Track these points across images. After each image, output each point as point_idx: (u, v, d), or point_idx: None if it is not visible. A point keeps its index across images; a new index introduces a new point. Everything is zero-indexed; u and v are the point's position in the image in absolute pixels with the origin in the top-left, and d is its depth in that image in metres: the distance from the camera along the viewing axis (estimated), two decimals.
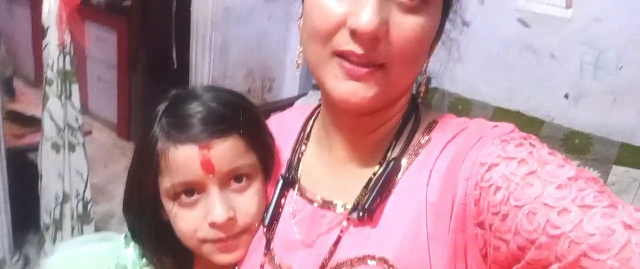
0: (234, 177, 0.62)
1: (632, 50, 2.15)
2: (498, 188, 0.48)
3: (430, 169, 0.55)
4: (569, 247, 0.42)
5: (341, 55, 0.51)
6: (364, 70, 0.51)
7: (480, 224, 0.50)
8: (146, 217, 0.66)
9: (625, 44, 2.16)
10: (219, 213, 0.59)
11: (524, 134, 0.54)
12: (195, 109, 0.61)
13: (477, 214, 0.50)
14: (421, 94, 0.61)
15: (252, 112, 0.66)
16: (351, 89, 0.52)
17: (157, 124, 0.61)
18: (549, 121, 2.38)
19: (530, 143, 0.52)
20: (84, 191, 2.19)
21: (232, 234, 0.61)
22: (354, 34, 0.49)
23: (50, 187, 2.10)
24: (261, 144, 0.65)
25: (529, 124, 2.37)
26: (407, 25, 0.50)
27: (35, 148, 2.16)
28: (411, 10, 0.50)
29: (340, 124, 0.61)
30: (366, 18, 0.48)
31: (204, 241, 0.62)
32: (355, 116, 0.56)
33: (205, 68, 2.65)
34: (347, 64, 0.51)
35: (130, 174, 0.66)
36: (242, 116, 0.62)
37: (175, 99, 0.63)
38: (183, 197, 0.61)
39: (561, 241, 0.43)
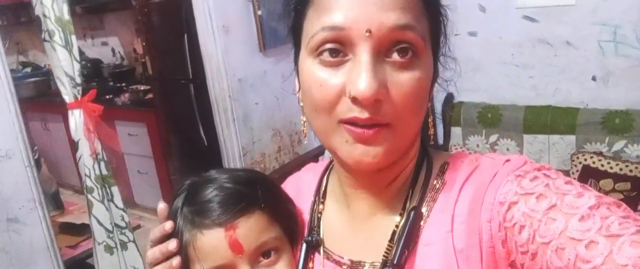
0: (262, 254, 0.62)
1: None
2: (522, 227, 0.48)
3: (451, 215, 0.54)
4: None
5: (347, 122, 0.52)
6: (371, 131, 0.51)
7: (512, 265, 0.49)
8: None
9: None
10: None
11: (537, 165, 0.53)
12: (214, 193, 0.62)
13: (507, 255, 0.49)
14: (431, 136, 0.61)
15: (269, 185, 0.66)
16: (363, 152, 0.52)
17: (179, 215, 0.63)
18: (584, 107, 2.31)
19: (544, 174, 0.51)
20: None
21: None
22: (356, 101, 0.50)
23: None
24: (284, 214, 0.65)
25: (564, 115, 2.30)
26: (405, 82, 0.51)
27: (91, 254, 2.23)
28: (405, 66, 0.51)
29: (356, 183, 0.61)
30: (364, 84, 0.48)
31: None
32: (371, 173, 0.57)
33: (233, 139, 2.72)
34: (354, 129, 0.52)
35: None
36: (260, 191, 0.63)
37: (192, 188, 0.65)
38: None
39: None
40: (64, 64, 1.85)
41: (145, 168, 3.85)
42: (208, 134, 3.03)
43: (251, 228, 0.61)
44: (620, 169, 2.06)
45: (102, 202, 2.06)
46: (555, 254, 0.45)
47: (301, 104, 0.59)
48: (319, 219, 0.66)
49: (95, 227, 2.07)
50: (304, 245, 0.64)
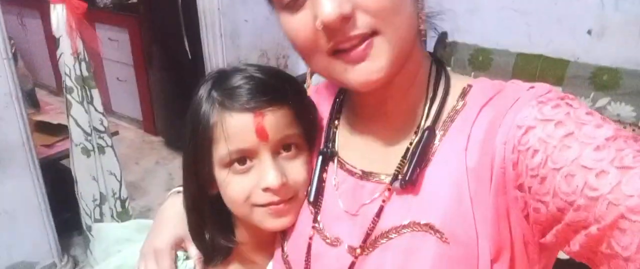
0: (283, 146, 0.64)
1: None
2: (536, 151, 0.48)
3: (468, 135, 0.55)
4: (607, 209, 0.42)
5: (335, 51, 0.52)
6: (362, 46, 0.51)
7: (520, 187, 0.50)
8: (206, 203, 0.69)
9: None
10: (273, 178, 0.62)
11: (561, 94, 0.53)
12: (244, 80, 0.63)
13: (516, 177, 0.50)
14: (423, 34, 0.59)
15: (297, 85, 0.68)
16: (365, 70, 0.52)
17: (206, 100, 0.64)
18: (574, 60, 2.31)
19: (567, 103, 0.51)
20: (120, 190, 2.25)
21: (284, 198, 0.64)
22: (328, 28, 0.50)
23: (86, 191, 2.16)
24: (307, 115, 0.67)
25: (554, 66, 2.30)
26: None
27: (67, 155, 2.21)
28: None
29: (367, 102, 0.62)
30: (325, 10, 0.49)
31: (256, 205, 0.64)
32: (379, 89, 0.56)
33: (219, 55, 2.65)
34: (346, 55, 0.52)
35: (185, 159, 0.69)
36: (288, 87, 0.65)
37: (221, 75, 0.66)
38: (236, 165, 0.64)
39: (599, 203, 0.43)
40: None
41: (124, 76, 3.77)
42: (193, 48, 2.94)
43: (278, 119, 0.62)
44: None
45: (81, 104, 2.02)
46: (565, 180, 0.45)
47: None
48: (334, 133, 0.67)
49: (73, 128, 2.04)
50: (320, 156, 0.66)
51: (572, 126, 0.47)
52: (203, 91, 0.65)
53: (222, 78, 0.65)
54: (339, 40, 0.51)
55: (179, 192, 0.76)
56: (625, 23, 2.18)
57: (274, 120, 0.62)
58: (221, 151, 0.63)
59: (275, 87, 0.63)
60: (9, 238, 2.13)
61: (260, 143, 0.62)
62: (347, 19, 0.49)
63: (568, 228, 0.46)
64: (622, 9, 2.18)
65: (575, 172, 0.45)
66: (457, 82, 0.60)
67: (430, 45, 2.68)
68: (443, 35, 2.63)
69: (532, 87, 0.54)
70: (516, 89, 0.56)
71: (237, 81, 0.63)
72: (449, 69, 0.62)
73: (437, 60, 0.62)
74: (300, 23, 0.53)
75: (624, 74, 2.17)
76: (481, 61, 2.50)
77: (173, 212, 0.75)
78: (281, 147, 0.64)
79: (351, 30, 0.50)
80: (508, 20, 2.49)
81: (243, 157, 0.63)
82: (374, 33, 0.51)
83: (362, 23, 0.50)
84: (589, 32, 2.30)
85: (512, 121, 0.51)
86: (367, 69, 0.52)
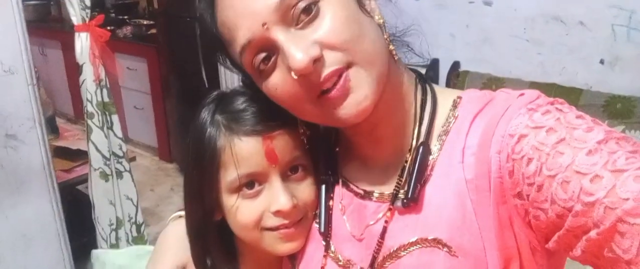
0: (291, 168, 0.64)
1: None
2: (530, 159, 0.48)
3: (463, 146, 0.55)
4: (605, 213, 0.43)
5: (318, 96, 0.53)
6: (340, 82, 0.52)
7: (519, 195, 0.50)
8: (211, 229, 0.68)
9: None
10: (284, 201, 0.61)
11: (550, 100, 0.54)
12: (247, 103, 0.63)
13: (514, 185, 0.50)
14: (394, 54, 0.59)
15: None
16: (352, 104, 0.53)
17: (210, 124, 0.63)
18: (587, 89, 2.32)
19: (557, 108, 0.51)
20: (136, 215, 2.27)
21: (295, 220, 0.64)
22: (304, 76, 0.51)
23: (103, 215, 2.18)
24: (312, 138, 0.66)
25: (567, 94, 2.31)
26: (325, 26, 0.52)
27: (85, 180, 2.24)
28: (315, 18, 0.52)
29: (358, 130, 0.62)
30: (296, 58, 0.50)
31: (266, 229, 0.63)
32: (365, 119, 0.56)
33: (235, 83, 2.70)
34: (327, 96, 0.53)
35: (188, 185, 0.68)
36: None
37: (222, 98, 0.65)
38: (245, 189, 0.63)
39: (596, 208, 0.43)
40: None
41: (141, 104, 3.84)
42: (209, 77, 3.00)
43: (286, 142, 0.62)
44: None
45: (102, 129, 2.06)
46: (561, 186, 0.46)
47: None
48: (336, 158, 0.68)
49: (92, 153, 2.08)
50: (323, 184, 0.66)
51: (564, 131, 0.48)
52: (206, 115, 0.64)
53: (224, 101, 0.64)
54: (319, 83, 0.52)
55: (180, 216, 0.75)
56: (638, 53, 2.19)
57: (283, 143, 0.62)
58: (230, 175, 0.62)
59: (281, 111, 0.62)
60: (26, 261, 2.15)
61: (269, 166, 0.61)
62: (318, 61, 0.51)
63: (569, 233, 0.46)
64: (634, 39, 2.19)
65: (571, 178, 0.45)
66: (446, 95, 0.61)
67: (443, 75, 2.71)
68: (455, 65, 2.66)
69: (522, 94, 0.55)
70: (506, 97, 0.56)
71: (241, 103, 0.63)
72: (435, 85, 0.63)
73: (421, 77, 0.63)
74: (278, 81, 0.54)
75: (638, 103, 2.17)
76: (494, 90, 2.52)
77: (174, 238, 0.74)
78: (289, 170, 0.64)
79: (325, 69, 0.52)
80: (521, 50, 2.52)
81: (252, 182, 0.62)
82: (347, 66, 0.52)
83: (333, 60, 0.52)
84: (602, 61, 2.31)
85: (504, 130, 0.52)
86: (354, 101, 0.53)
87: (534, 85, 2.40)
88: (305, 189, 0.65)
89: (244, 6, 0.53)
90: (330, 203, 0.65)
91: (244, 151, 0.61)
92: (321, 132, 0.69)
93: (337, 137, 0.69)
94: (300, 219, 0.64)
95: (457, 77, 2.64)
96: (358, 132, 0.62)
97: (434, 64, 2.69)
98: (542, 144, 0.48)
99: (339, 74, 0.52)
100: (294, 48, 0.51)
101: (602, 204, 0.43)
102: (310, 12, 0.52)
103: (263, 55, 0.54)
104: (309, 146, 0.65)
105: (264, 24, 0.52)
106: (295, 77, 0.52)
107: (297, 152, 0.64)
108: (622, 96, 2.20)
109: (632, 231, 0.41)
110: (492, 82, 2.52)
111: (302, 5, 0.52)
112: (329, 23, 0.52)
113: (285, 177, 0.63)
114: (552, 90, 2.36)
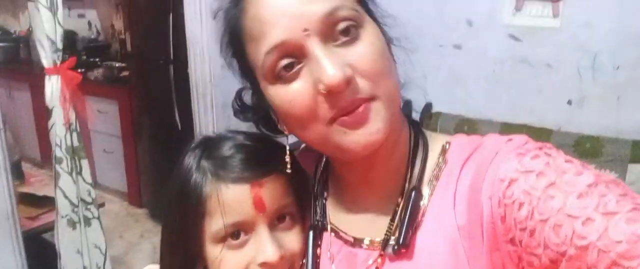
0: (278, 217, 0.62)
1: (626, 49, 2.17)
2: (521, 204, 0.48)
3: (454, 192, 0.55)
4: (599, 257, 0.42)
5: (336, 116, 0.52)
6: (361, 108, 0.52)
7: (511, 241, 0.50)
8: None
9: (619, 45, 2.19)
10: (272, 252, 0.59)
11: (539, 144, 0.54)
12: (234, 149, 0.61)
13: (506, 231, 0.50)
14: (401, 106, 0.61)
15: (288, 151, 0.66)
16: (364, 135, 0.53)
17: (196, 170, 0.61)
18: (557, 129, 2.38)
19: (545, 153, 0.52)
20: (104, 264, 2.17)
21: None
22: (330, 93, 0.51)
23: (70, 265, 2.08)
24: (301, 183, 0.65)
25: (538, 135, 2.36)
26: (363, 51, 0.52)
27: (51, 228, 2.15)
28: (354, 40, 0.53)
29: (353, 169, 0.61)
30: (330, 73, 0.50)
31: None
32: (367, 155, 0.56)
33: (209, 126, 2.67)
34: (346, 118, 0.52)
35: (167, 234, 0.65)
36: (280, 155, 0.62)
37: (208, 143, 0.63)
38: (230, 240, 0.60)
39: (590, 252, 0.43)
40: (46, 26, 1.79)
41: (111, 147, 3.75)
42: (183, 119, 2.97)
43: (275, 189, 0.60)
44: None
45: (70, 174, 1.99)
46: (553, 231, 0.45)
47: (286, 133, 0.60)
48: (324, 205, 0.66)
49: (59, 200, 2.00)
50: (311, 231, 0.64)
51: (553, 175, 0.48)
52: (191, 160, 0.62)
53: (210, 147, 0.63)
54: (342, 106, 0.51)
55: None
56: (603, 94, 2.27)
57: (271, 190, 0.60)
58: (215, 225, 0.60)
59: (269, 156, 0.61)
60: None
61: (257, 215, 0.59)
62: (349, 83, 0.51)
63: None
64: (599, 80, 2.28)
65: (562, 222, 0.45)
66: (436, 140, 0.61)
67: (415, 116, 2.74)
68: (428, 106, 2.70)
69: (510, 140, 0.55)
70: (495, 142, 0.56)
71: (228, 150, 0.61)
72: (425, 130, 0.64)
73: (413, 122, 0.63)
74: (297, 92, 0.53)
75: (606, 142, 2.23)
76: (467, 131, 2.56)
77: None
78: (276, 219, 0.62)
79: (353, 94, 0.51)
80: (490, 91, 2.58)
81: (238, 231, 0.60)
82: (371, 98, 0.52)
83: (362, 88, 0.52)
84: (569, 102, 2.38)
85: (494, 175, 0.51)
86: (368, 131, 0.52)
87: (505, 126, 2.45)
88: (292, 239, 0.63)
89: (288, 6, 0.52)
90: (318, 251, 0.63)
91: (231, 199, 0.59)
92: (310, 177, 0.68)
93: (326, 185, 0.68)
94: None
95: (430, 119, 2.67)
96: (353, 170, 0.61)
97: (407, 105, 2.71)
98: (532, 188, 0.48)
99: (363, 103, 0.52)
100: (330, 62, 0.50)
101: (595, 248, 0.43)
102: (350, 34, 0.52)
103: (288, 61, 0.53)
104: (295, 189, 0.63)
105: (305, 30, 0.51)
106: (324, 91, 0.51)
107: (286, 199, 0.62)
108: (591, 135, 2.26)
109: None
110: (464, 123, 2.56)
111: (345, 24, 0.52)
112: (367, 50, 0.53)
113: (272, 227, 0.61)
114: (522, 131, 2.41)
